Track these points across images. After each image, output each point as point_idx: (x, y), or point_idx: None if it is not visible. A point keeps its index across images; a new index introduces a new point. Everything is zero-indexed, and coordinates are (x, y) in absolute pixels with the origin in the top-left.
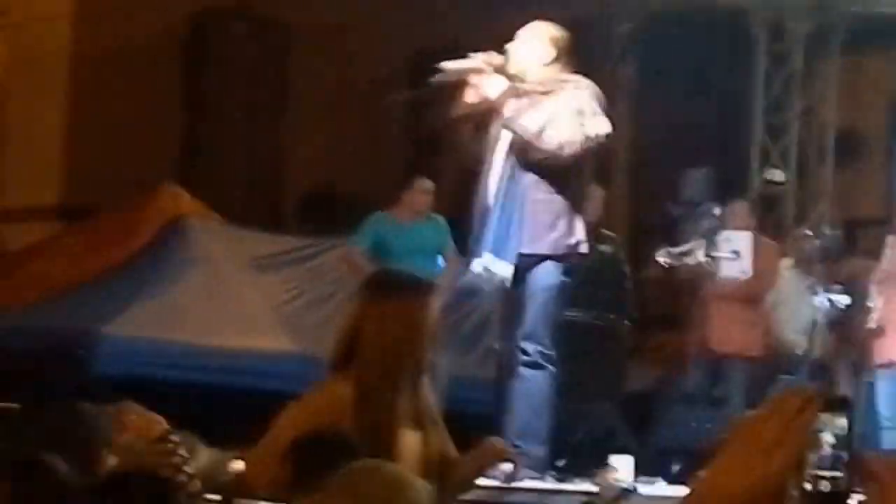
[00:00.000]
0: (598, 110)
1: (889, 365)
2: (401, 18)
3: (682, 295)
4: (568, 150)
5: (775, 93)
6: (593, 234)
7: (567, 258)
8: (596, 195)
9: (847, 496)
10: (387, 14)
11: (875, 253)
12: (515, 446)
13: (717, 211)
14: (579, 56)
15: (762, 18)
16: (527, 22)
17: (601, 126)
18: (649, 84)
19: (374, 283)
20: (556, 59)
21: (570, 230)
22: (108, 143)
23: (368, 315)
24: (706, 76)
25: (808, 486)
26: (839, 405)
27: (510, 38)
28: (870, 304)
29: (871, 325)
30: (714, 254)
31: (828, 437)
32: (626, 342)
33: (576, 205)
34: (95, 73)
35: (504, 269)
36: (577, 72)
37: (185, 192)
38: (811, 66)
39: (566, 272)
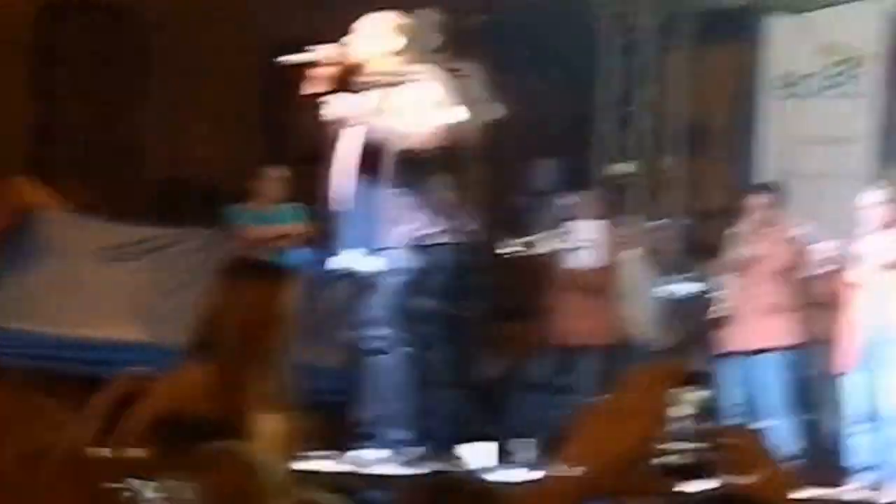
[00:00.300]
0: (455, 100)
1: (733, 354)
2: (258, 9)
3: (533, 285)
4: (420, 142)
5: (624, 84)
6: (446, 225)
7: (420, 249)
8: (448, 186)
9: (704, 467)
10: (244, 5)
11: (719, 244)
12: (372, 434)
13: (567, 201)
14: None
15: (611, 11)
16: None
17: (459, 114)
18: (498, 74)
19: (232, 268)
20: (405, 49)
21: (424, 221)
22: None
23: (226, 300)
24: (556, 68)
25: (666, 459)
26: (696, 379)
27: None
28: (718, 293)
29: (719, 314)
30: (564, 243)
31: (686, 410)
32: (479, 331)
33: (429, 196)
34: None
35: (361, 263)
36: (431, 60)
37: (37, 184)
38: (660, 57)
39: (418, 262)
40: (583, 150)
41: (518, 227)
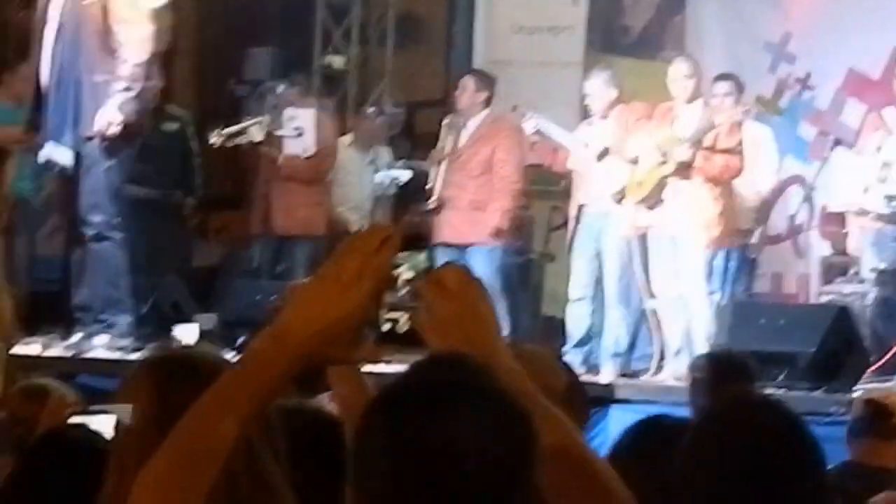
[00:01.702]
0: None
1: (445, 245)
2: None
3: (246, 173)
4: (119, 25)
5: None
6: (157, 112)
7: (128, 136)
8: (154, 70)
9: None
10: None
11: (433, 133)
12: (99, 320)
13: (280, 89)
14: None
15: None
16: None
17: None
18: None
19: None
20: None
21: (123, 103)
22: None
23: None
24: None
25: (385, 324)
26: (417, 242)
27: None
28: (430, 184)
29: (431, 205)
30: (277, 131)
31: (406, 273)
32: (192, 219)
33: (134, 82)
34: None
35: (65, 157)
36: None
37: None
38: None
39: (125, 149)
40: (297, 40)
41: (232, 114)
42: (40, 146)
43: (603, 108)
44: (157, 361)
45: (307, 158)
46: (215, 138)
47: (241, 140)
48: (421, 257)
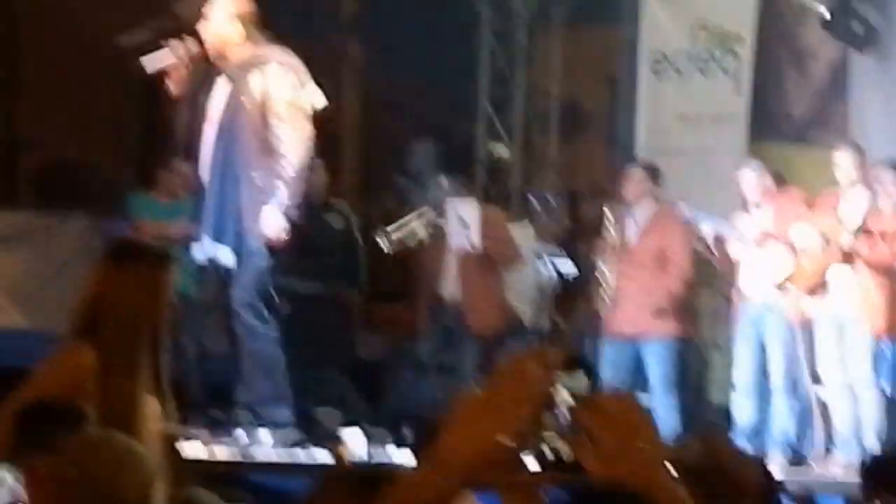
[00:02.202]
0: (308, 82)
1: (614, 337)
2: None
3: (412, 265)
4: (282, 126)
5: (499, 67)
6: (322, 206)
7: (291, 231)
8: (316, 165)
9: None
10: None
11: (598, 224)
12: (255, 413)
13: (443, 181)
14: (305, 32)
15: None
16: None
17: (316, 99)
18: (376, 58)
19: (115, 251)
20: (248, 35)
21: (286, 203)
22: None
23: (109, 282)
24: (432, 52)
25: (546, 451)
26: (577, 365)
27: None
28: (598, 274)
29: (600, 295)
30: (442, 224)
31: (565, 397)
32: (357, 311)
33: (297, 178)
34: None
35: (226, 256)
36: (275, 42)
37: None
38: (534, 41)
39: (287, 244)
40: (460, 132)
41: (396, 207)
42: (200, 243)
43: (761, 197)
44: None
45: (473, 250)
46: (382, 240)
47: (407, 237)
48: (583, 380)
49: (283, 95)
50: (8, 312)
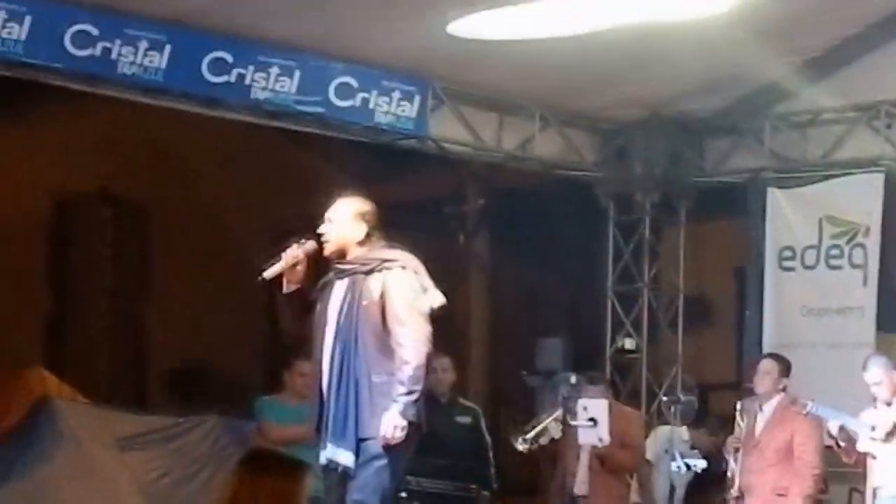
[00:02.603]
0: (428, 284)
1: None
2: (258, 194)
3: (543, 463)
4: (403, 326)
5: (625, 261)
6: (450, 403)
7: (405, 438)
8: (444, 365)
9: None
10: (245, 190)
11: (727, 416)
12: None
13: (572, 379)
14: (432, 230)
15: (610, 190)
16: (379, 197)
17: (435, 300)
18: (502, 255)
19: (250, 459)
20: (369, 236)
21: (408, 413)
22: None
23: (243, 490)
24: (558, 247)
25: None
26: None
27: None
28: (727, 469)
29: (732, 491)
30: (572, 421)
31: None
32: None
33: (413, 378)
34: None
35: (347, 459)
36: (392, 246)
37: (51, 374)
38: (659, 234)
39: (412, 445)
40: (587, 329)
41: (525, 404)
42: (324, 446)
43: (888, 393)
44: None
45: (603, 447)
46: (521, 445)
47: (542, 436)
48: None
49: (403, 299)
50: None
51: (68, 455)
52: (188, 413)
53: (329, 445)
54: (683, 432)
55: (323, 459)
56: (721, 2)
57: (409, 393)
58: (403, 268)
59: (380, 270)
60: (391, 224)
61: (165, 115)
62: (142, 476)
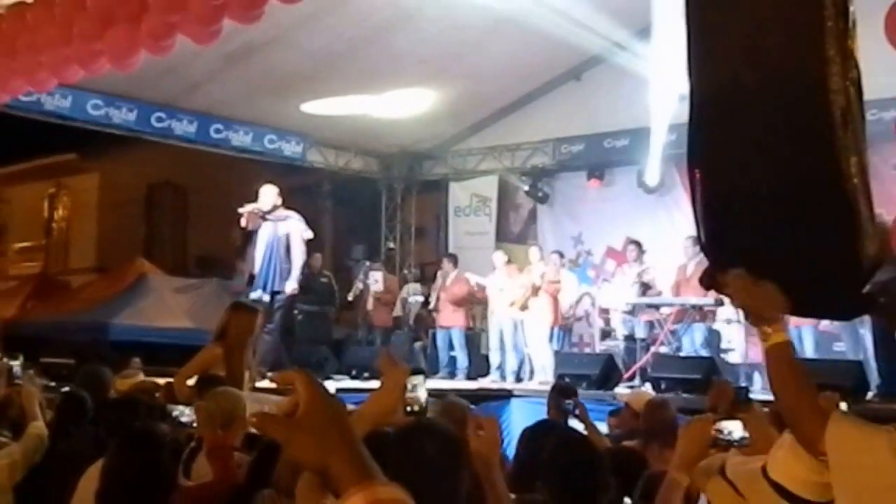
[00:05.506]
0: (307, 229)
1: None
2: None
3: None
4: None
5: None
6: (316, 274)
7: (296, 287)
8: (314, 258)
9: None
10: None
11: None
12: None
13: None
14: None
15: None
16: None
17: (308, 234)
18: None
19: (234, 304)
20: (279, 205)
21: (297, 276)
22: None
23: (231, 318)
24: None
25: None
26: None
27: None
28: None
29: None
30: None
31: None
32: (331, 320)
33: (300, 265)
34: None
35: (267, 298)
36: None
37: (146, 261)
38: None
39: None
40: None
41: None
42: (258, 293)
43: (503, 271)
44: None
45: None
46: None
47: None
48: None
49: (296, 234)
50: (184, 321)
51: (154, 297)
52: (204, 277)
53: (261, 293)
54: None
55: (253, 297)
56: None
57: (297, 271)
58: (297, 220)
59: (285, 220)
60: (286, 200)
61: None
62: (185, 305)
